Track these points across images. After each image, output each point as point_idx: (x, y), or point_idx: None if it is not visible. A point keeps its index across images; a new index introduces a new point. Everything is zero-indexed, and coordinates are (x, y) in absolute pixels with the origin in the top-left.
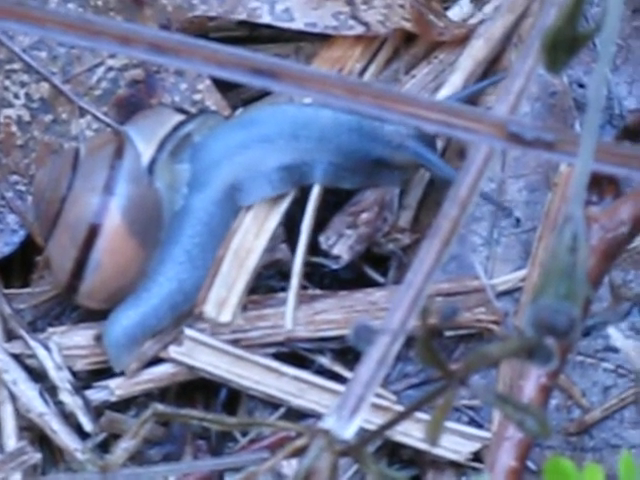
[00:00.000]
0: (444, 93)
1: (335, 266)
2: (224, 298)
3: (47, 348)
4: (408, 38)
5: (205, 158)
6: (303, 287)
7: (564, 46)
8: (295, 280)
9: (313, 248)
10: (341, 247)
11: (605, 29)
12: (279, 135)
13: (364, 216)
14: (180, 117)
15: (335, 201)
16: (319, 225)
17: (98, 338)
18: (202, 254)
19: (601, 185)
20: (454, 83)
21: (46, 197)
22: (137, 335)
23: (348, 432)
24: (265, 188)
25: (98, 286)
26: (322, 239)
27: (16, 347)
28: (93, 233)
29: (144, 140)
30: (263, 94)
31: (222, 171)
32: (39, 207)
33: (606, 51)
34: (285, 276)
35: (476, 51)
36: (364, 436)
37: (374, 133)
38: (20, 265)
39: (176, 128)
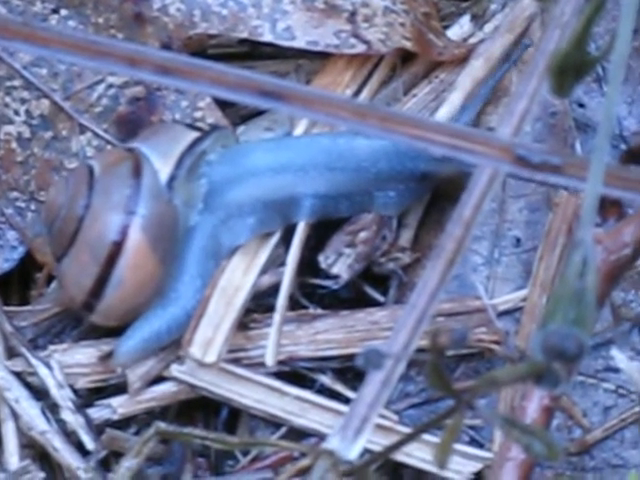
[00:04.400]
0: (443, 112)
1: (335, 286)
2: (210, 338)
3: (48, 366)
4: (405, 57)
5: (228, 173)
6: (303, 307)
7: (572, 70)
8: (278, 317)
9: (313, 268)
10: (340, 266)
11: (615, 53)
12: (313, 166)
13: (362, 235)
14: (195, 134)
15: (334, 220)
16: (319, 244)
17: (105, 357)
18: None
19: (604, 207)
20: (453, 102)
21: (62, 215)
22: (166, 334)
23: (352, 453)
24: (296, 214)
25: (117, 303)
26: (321, 258)
27: (17, 365)
28: (116, 251)
29: (160, 157)
30: (261, 111)
31: (248, 188)
32: (53, 225)
33: (616, 76)
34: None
35: (475, 70)
36: (368, 457)
37: (414, 151)
38: (18, 282)
39: (193, 145)
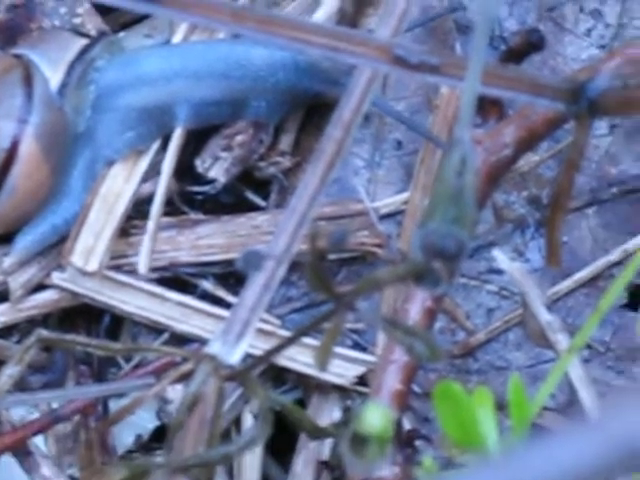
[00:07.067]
0: (320, 14)
1: (212, 191)
2: (91, 246)
3: None
4: None
5: (118, 80)
6: (183, 212)
7: None
8: (151, 224)
9: (194, 174)
10: (217, 170)
11: None
12: (208, 74)
13: (239, 138)
14: (83, 41)
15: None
16: (199, 150)
17: None
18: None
19: (485, 107)
20: (329, 3)
21: None
22: (63, 227)
23: (234, 357)
24: (179, 121)
25: (8, 211)
26: (198, 163)
27: None
28: (8, 159)
29: (50, 64)
30: (142, 17)
31: (138, 94)
32: None
33: None
34: (167, 202)
35: None
36: (250, 361)
37: (311, 70)
38: None
39: (82, 52)
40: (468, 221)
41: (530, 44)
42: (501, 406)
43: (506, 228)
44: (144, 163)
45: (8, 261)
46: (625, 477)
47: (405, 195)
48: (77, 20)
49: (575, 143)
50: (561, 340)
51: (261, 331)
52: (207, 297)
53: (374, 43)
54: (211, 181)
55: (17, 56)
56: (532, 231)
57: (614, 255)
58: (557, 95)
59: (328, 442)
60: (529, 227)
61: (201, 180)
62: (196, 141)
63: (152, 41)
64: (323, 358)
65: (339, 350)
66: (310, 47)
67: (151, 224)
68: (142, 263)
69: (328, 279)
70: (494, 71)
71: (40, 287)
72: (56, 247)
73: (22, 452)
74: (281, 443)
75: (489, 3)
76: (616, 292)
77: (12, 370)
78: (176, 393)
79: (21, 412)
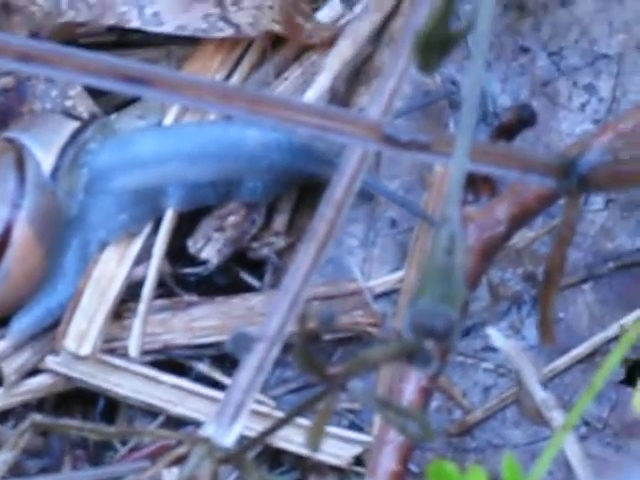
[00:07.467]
0: (311, 94)
1: (205, 272)
2: (84, 330)
3: None
4: (276, 40)
5: (111, 162)
6: (176, 294)
7: (436, 46)
8: (143, 307)
9: (187, 255)
10: (209, 251)
11: (477, 28)
12: (202, 155)
13: (231, 219)
14: (75, 124)
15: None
16: (191, 230)
17: None
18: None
19: (476, 184)
20: (321, 83)
21: None
22: (57, 310)
23: (228, 439)
24: (172, 203)
25: (3, 295)
26: (190, 243)
27: None
28: (2, 244)
29: (43, 148)
30: (135, 100)
31: (131, 176)
32: None
33: (479, 50)
34: (160, 284)
35: (343, 50)
36: (244, 443)
37: (306, 150)
38: None
39: (74, 135)
40: (458, 299)
41: (521, 120)
42: None
43: (502, 305)
44: (136, 246)
45: (2, 345)
46: None
47: (400, 274)
48: (69, 103)
49: (566, 219)
50: (556, 417)
51: (256, 413)
52: (202, 379)
53: (364, 122)
54: (204, 262)
55: (9, 140)
56: (528, 308)
57: (611, 331)
58: (547, 171)
59: None
60: (525, 304)
61: (194, 261)
62: (188, 222)
63: (145, 122)
64: (315, 439)
65: (335, 430)
66: (300, 127)
67: (142, 307)
68: (133, 346)
69: (318, 360)
70: (483, 148)
71: (34, 371)
72: (50, 331)
73: None
74: None
75: (477, 80)
76: (610, 368)
77: (7, 455)
78: (172, 476)
79: None
